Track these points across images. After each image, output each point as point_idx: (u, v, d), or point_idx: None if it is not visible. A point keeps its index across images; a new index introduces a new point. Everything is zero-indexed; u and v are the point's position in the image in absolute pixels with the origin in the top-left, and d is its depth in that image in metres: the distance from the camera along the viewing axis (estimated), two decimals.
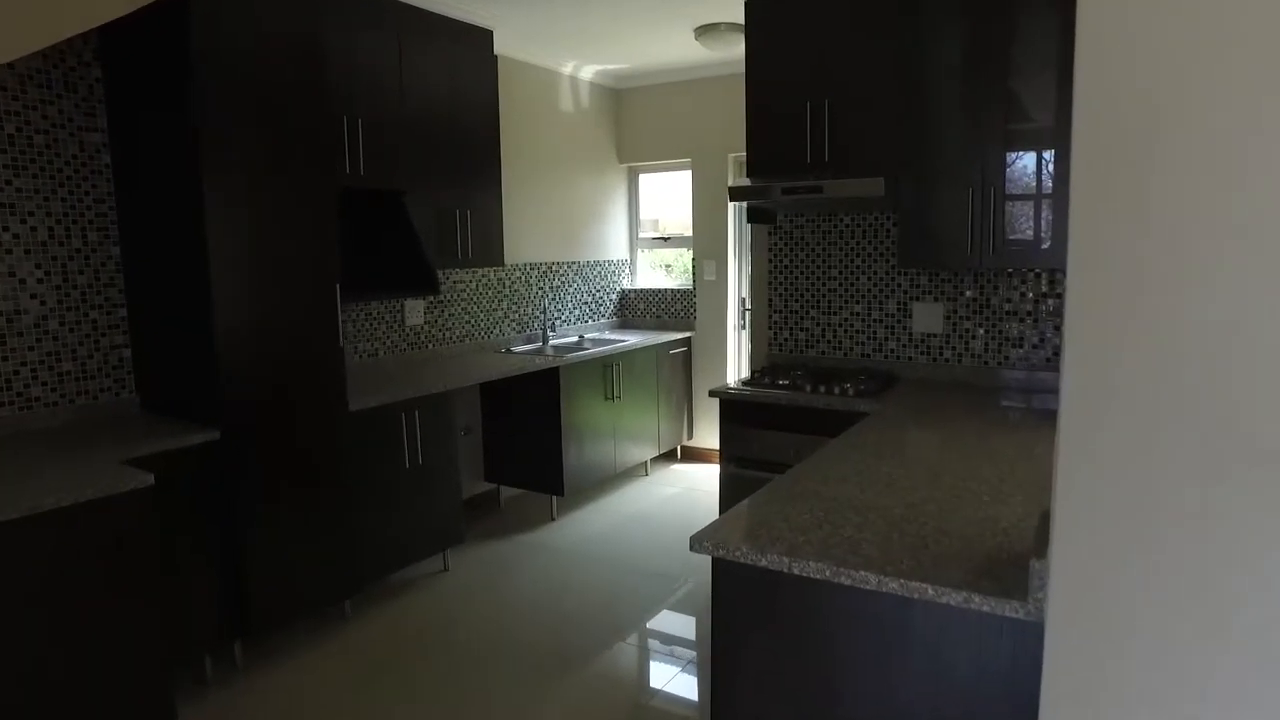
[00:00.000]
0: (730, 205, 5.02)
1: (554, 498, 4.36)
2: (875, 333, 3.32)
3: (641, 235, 5.66)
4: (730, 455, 3.13)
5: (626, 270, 5.67)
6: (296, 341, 2.83)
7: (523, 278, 4.74)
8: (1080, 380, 1.04)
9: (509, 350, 4.49)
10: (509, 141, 4.41)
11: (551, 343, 4.73)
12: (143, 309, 2.81)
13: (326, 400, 2.94)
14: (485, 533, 4.16)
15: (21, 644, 1.95)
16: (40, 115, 2.61)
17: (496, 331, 4.59)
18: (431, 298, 4.13)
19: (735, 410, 3.10)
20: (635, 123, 5.41)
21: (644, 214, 5.65)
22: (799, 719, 1.52)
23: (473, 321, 4.42)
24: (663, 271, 5.72)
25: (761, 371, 3.32)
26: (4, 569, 1.90)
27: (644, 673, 2.84)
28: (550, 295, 4.96)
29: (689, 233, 5.34)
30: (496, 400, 4.38)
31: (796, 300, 3.48)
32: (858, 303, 3.35)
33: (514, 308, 4.70)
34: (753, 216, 3.39)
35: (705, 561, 1.60)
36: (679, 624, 3.20)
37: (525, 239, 4.72)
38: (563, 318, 5.08)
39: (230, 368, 2.63)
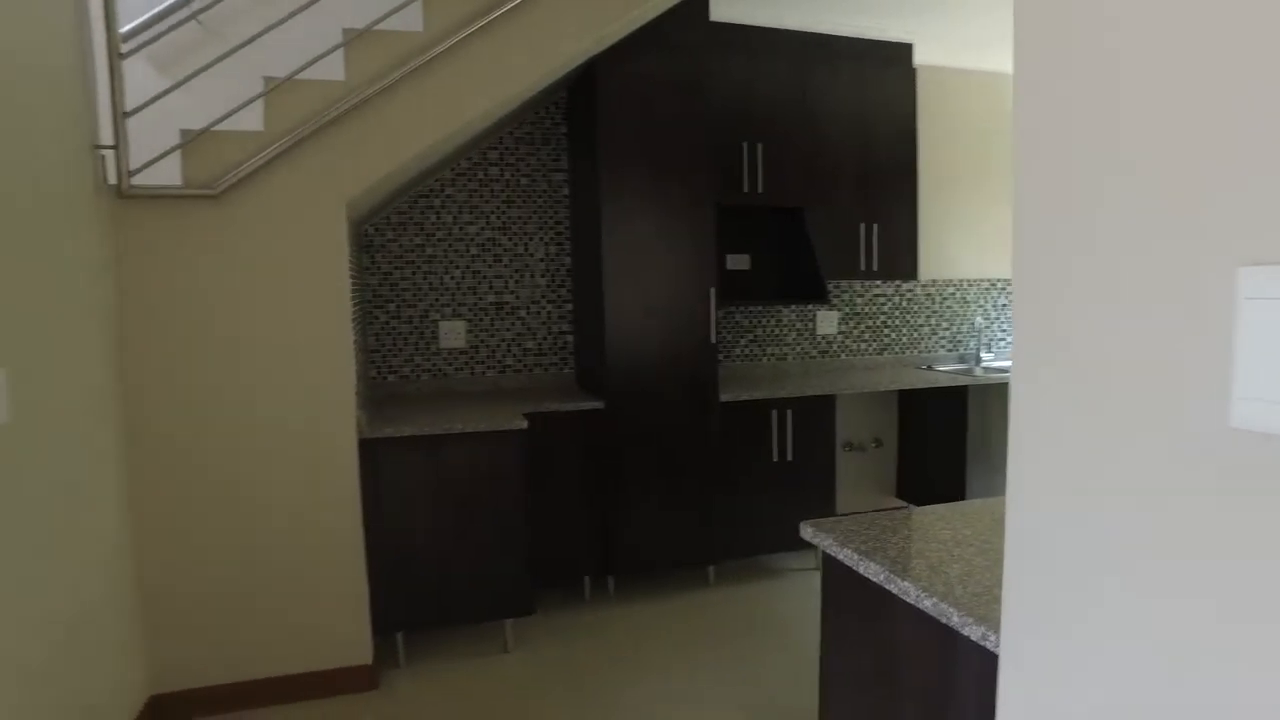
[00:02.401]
0: None
1: None
2: None
3: None
4: None
5: None
6: (673, 336, 3.35)
7: (956, 294, 4.55)
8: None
9: (930, 367, 4.37)
10: (935, 154, 4.31)
11: (984, 363, 4.43)
12: (579, 304, 3.66)
13: (698, 389, 3.40)
14: None
15: (434, 518, 2.83)
16: (526, 164, 3.64)
17: (922, 346, 4.50)
18: (845, 310, 4.29)
19: None
20: None
21: None
22: (866, 705, 1.43)
23: (892, 334, 4.43)
24: None
25: None
26: (431, 467, 2.81)
27: None
28: (995, 314, 4.63)
29: None
30: (914, 417, 4.31)
31: None
32: None
33: (944, 324, 4.54)
34: None
35: None
36: None
37: (958, 253, 4.51)
38: (1012, 338, 4.68)
39: (615, 352, 3.27)
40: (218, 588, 2.52)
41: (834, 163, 3.85)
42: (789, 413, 3.57)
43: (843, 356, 4.35)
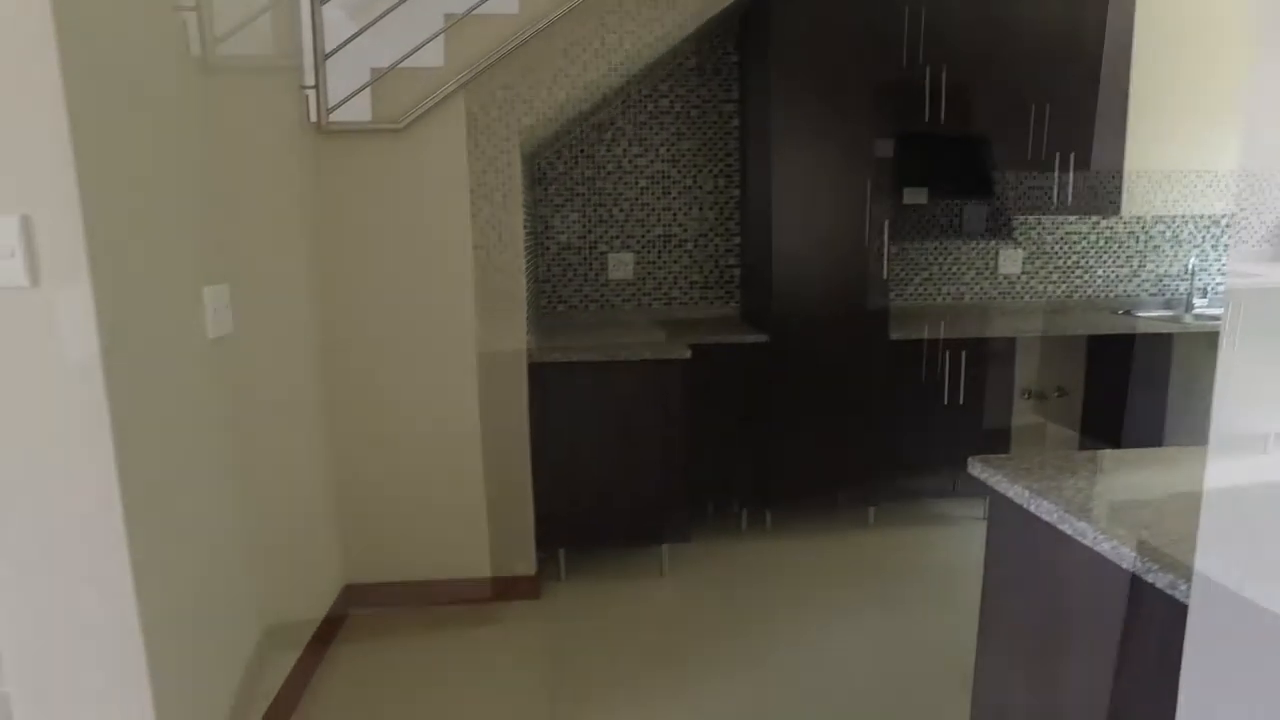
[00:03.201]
0: None
1: None
2: None
3: None
4: None
5: None
6: (843, 271, 3.24)
7: (1167, 232, 4.07)
8: None
9: (1129, 312, 3.98)
10: (1152, 70, 3.82)
11: (1197, 310, 3.98)
12: (747, 238, 3.61)
13: (866, 326, 3.29)
14: None
15: (597, 441, 2.93)
16: (696, 95, 3.59)
17: (1120, 289, 4.09)
18: (1031, 248, 3.96)
19: None
20: None
21: None
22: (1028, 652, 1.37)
23: (1085, 276, 4.06)
24: None
25: None
26: (595, 392, 2.90)
27: None
28: (1214, 255, 4.12)
29: None
30: (1106, 366, 3.96)
31: None
32: None
33: (1148, 266, 4.10)
34: None
35: None
36: None
37: (1173, 186, 4.02)
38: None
39: (782, 286, 3.22)
40: (400, 493, 2.76)
41: (1028, 86, 3.51)
42: (963, 354, 3.39)
43: (1026, 298, 4.04)
